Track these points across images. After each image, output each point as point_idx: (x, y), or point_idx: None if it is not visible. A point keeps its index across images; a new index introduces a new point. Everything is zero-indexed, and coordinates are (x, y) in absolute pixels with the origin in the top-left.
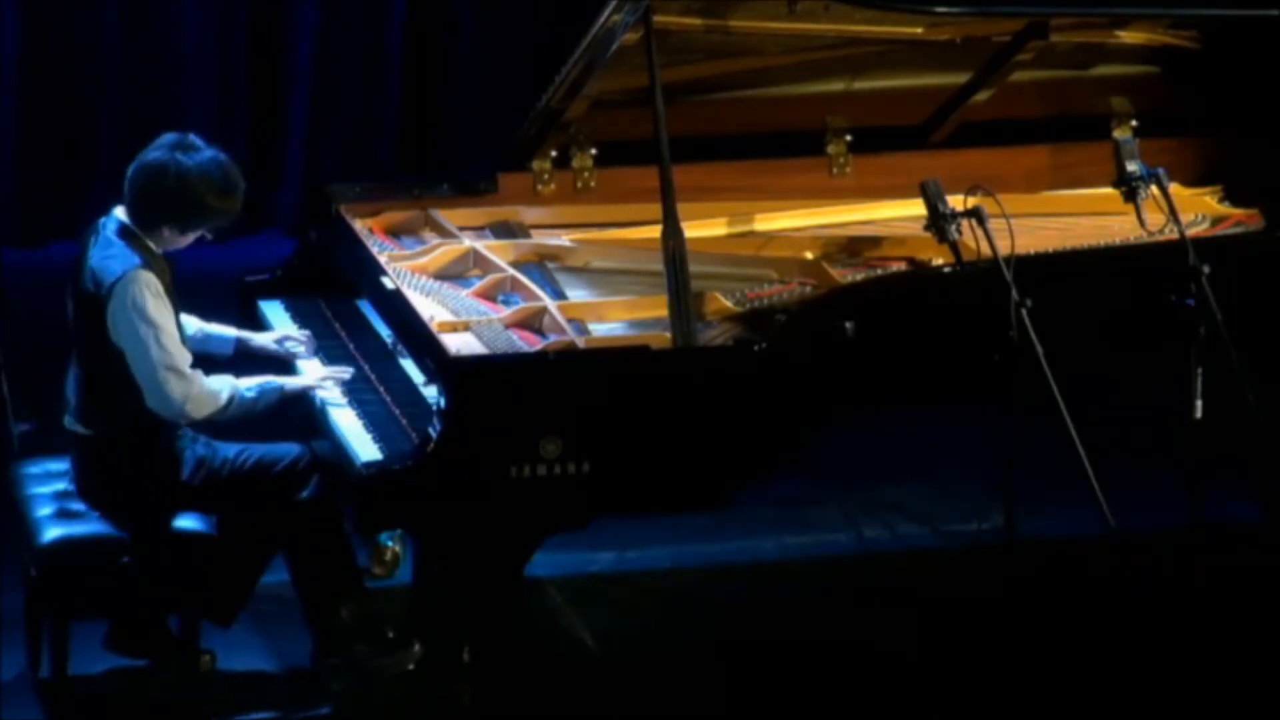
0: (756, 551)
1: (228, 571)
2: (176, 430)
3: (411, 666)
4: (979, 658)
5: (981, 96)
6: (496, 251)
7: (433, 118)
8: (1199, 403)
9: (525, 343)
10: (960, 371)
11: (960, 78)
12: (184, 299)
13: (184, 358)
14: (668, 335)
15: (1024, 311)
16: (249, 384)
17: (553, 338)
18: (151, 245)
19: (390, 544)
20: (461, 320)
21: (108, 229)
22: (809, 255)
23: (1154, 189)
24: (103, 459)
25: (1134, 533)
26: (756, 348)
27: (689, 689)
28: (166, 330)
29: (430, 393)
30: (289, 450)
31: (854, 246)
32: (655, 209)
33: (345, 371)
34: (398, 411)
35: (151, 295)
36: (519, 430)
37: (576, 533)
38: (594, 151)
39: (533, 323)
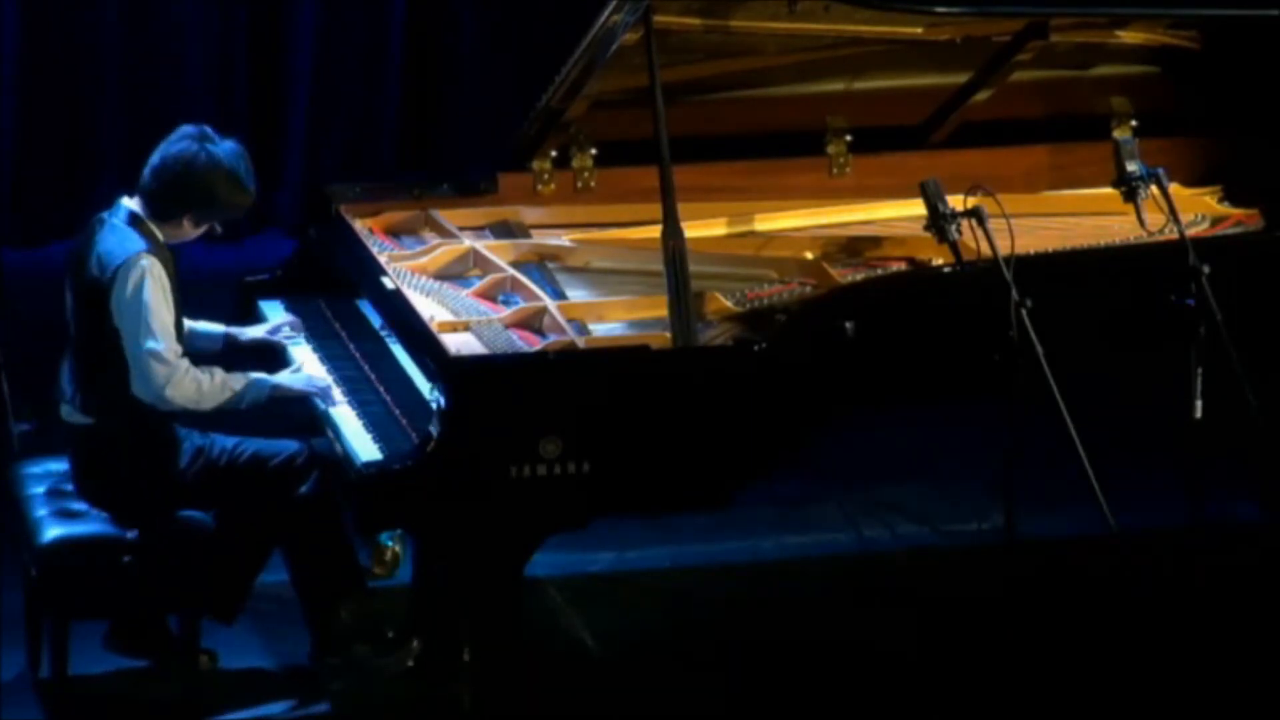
0: (756, 551)
1: (228, 567)
2: (174, 420)
3: (411, 664)
4: (979, 658)
5: (981, 96)
6: (496, 251)
7: (433, 118)
8: (1199, 403)
9: (525, 343)
10: (960, 371)
11: (960, 78)
12: (185, 299)
13: (172, 344)
14: (668, 335)
15: (1024, 311)
16: (238, 378)
17: (553, 338)
18: (159, 235)
19: (390, 544)
20: (461, 320)
21: (116, 217)
22: (809, 255)
23: (1154, 189)
24: (100, 449)
25: (1134, 533)
26: (756, 348)
27: (689, 689)
28: (159, 315)
29: (429, 391)
30: (286, 446)
31: (854, 246)
32: (655, 209)
33: (323, 379)
34: (398, 411)
35: (152, 279)
36: (519, 430)
37: (576, 533)
38: (594, 151)
39: (533, 323)
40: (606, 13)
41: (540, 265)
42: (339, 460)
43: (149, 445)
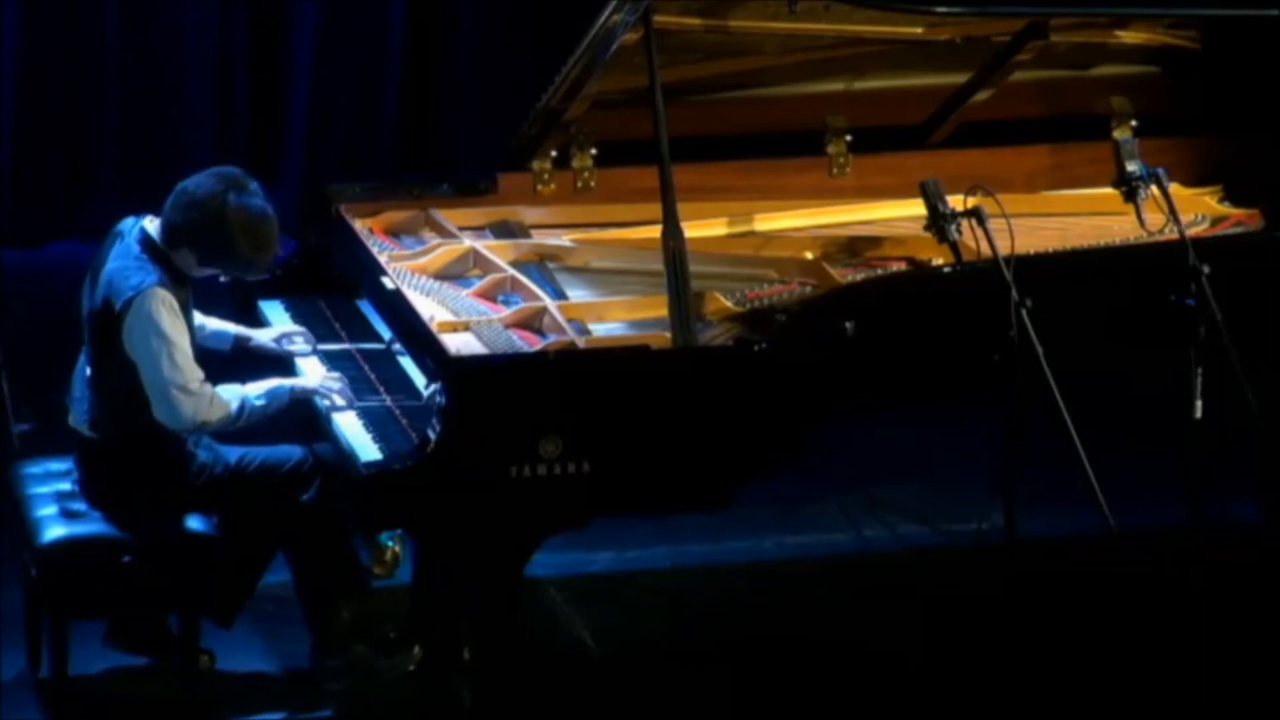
0: (756, 551)
1: (229, 572)
2: (181, 437)
3: (412, 668)
4: (979, 657)
5: (981, 96)
6: (496, 251)
7: (433, 118)
8: (1199, 403)
9: (525, 343)
10: (960, 371)
11: (960, 78)
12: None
13: (195, 375)
14: (668, 335)
15: (1024, 311)
16: (257, 390)
17: (553, 338)
18: (174, 261)
19: (390, 544)
20: (461, 320)
21: (130, 236)
22: (809, 255)
23: (1154, 189)
24: (107, 463)
25: (1134, 533)
26: (756, 348)
27: (689, 689)
28: (180, 348)
29: (425, 386)
30: (291, 453)
31: (854, 246)
32: (655, 209)
33: (335, 377)
34: (398, 411)
35: (167, 312)
36: (519, 430)
37: (576, 533)
38: (594, 151)
39: (533, 323)
40: (606, 13)
41: (540, 265)
42: (340, 462)
43: (154, 464)
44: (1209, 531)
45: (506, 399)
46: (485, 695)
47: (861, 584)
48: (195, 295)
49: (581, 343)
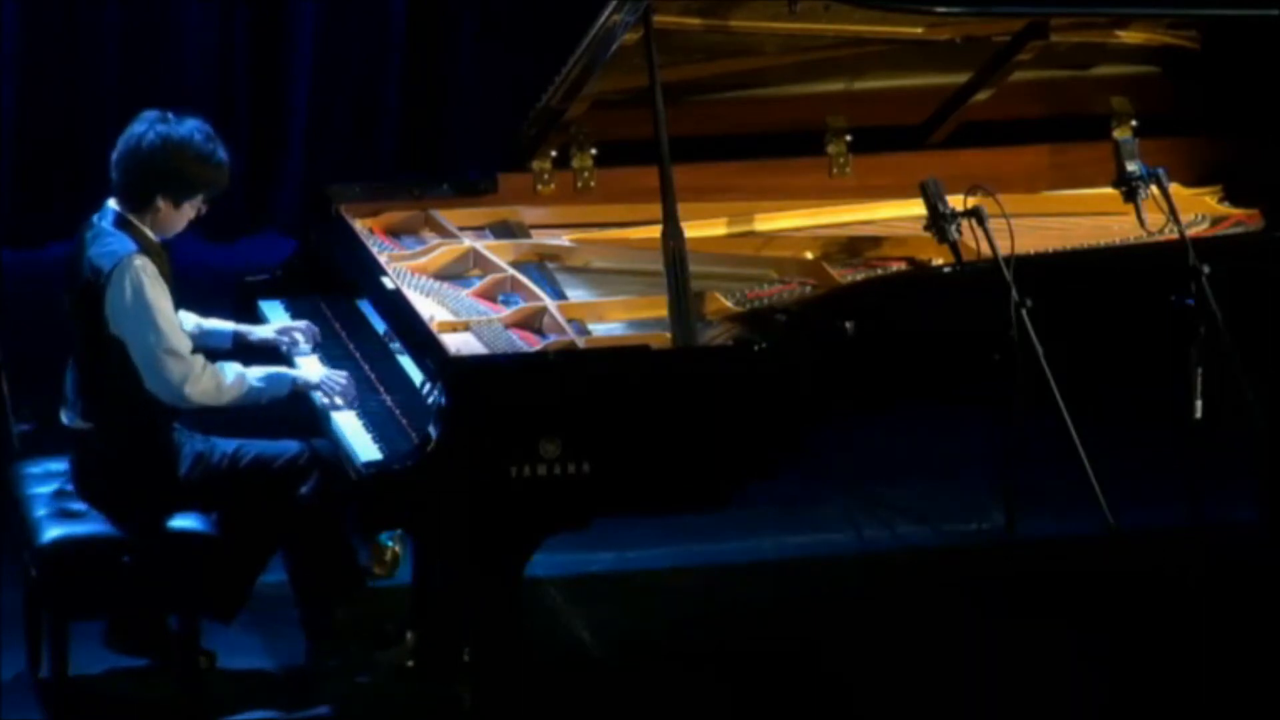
0: (756, 551)
1: (228, 568)
2: (174, 426)
3: (411, 664)
4: (979, 657)
5: (981, 96)
6: (496, 251)
7: (433, 118)
8: (1199, 403)
9: (525, 343)
10: (960, 371)
11: (960, 78)
12: (184, 298)
13: (182, 340)
14: (668, 335)
15: (1024, 311)
16: (258, 373)
17: (553, 338)
18: (148, 232)
19: (390, 544)
20: (461, 320)
21: (103, 221)
22: (809, 255)
23: (1154, 189)
24: (101, 454)
25: (1134, 533)
26: (756, 348)
27: (689, 689)
28: (164, 312)
29: (422, 384)
30: (288, 447)
31: (854, 246)
32: (655, 209)
33: (342, 375)
34: (398, 411)
35: (148, 278)
36: (519, 430)
37: (576, 533)
38: (594, 151)
39: (533, 323)
40: (606, 13)
41: (540, 265)
42: (339, 461)
43: (150, 451)
44: (1209, 531)
45: (506, 399)
46: (485, 695)
47: (861, 584)
48: (192, 294)
49: (581, 343)
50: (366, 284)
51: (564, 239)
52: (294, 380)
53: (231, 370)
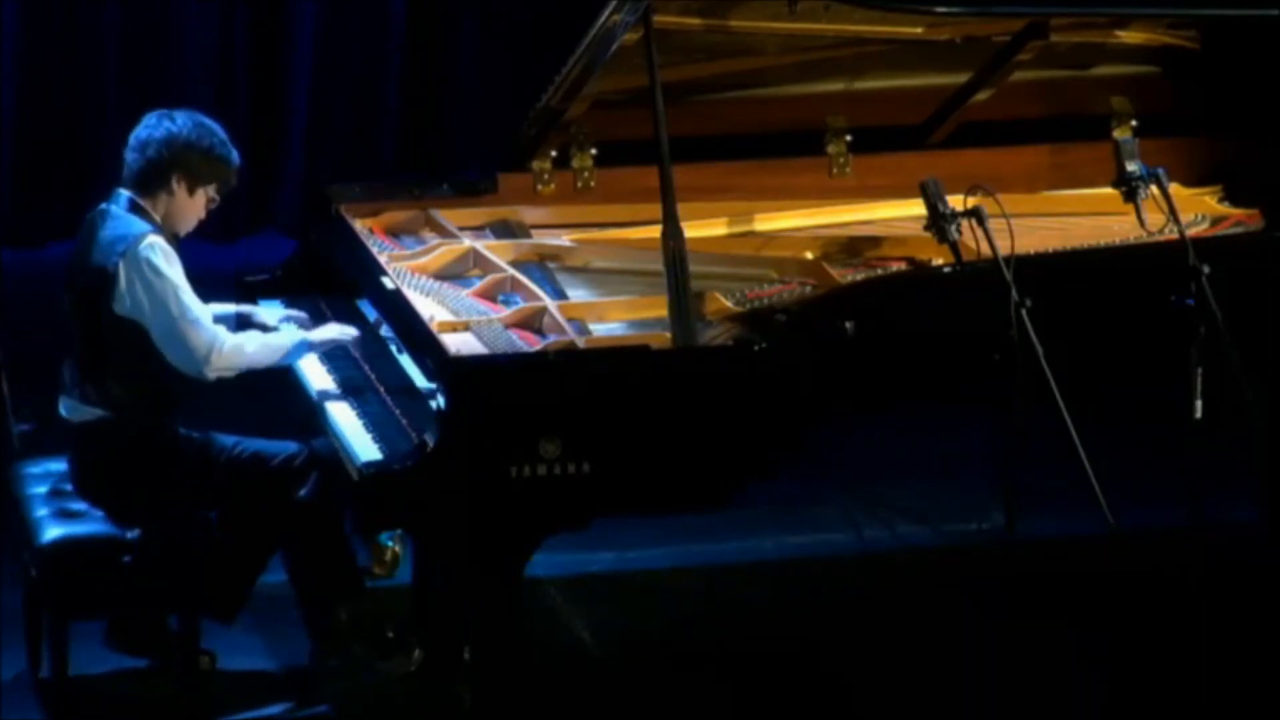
0: (756, 551)
1: (228, 568)
2: (174, 419)
3: (412, 670)
4: (979, 657)
5: (981, 96)
6: (496, 251)
7: (433, 118)
8: (1199, 403)
9: (525, 343)
10: (960, 371)
11: (960, 78)
12: None
13: (203, 310)
14: (668, 335)
15: (1024, 311)
16: (277, 338)
17: (553, 338)
18: (159, 219)
19: (390, 544)
20: (461, 320)
21: (116, 205)
22: (809, 255)
23: (1154, 189)
24: (100, 447)
25: (1134, 533)
26: (756, 348)
27: (689, 689)
28: (182, 286)
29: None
30: (286, 446)
31: (854, 246)
32: (655, 209)
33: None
34: (398, 411)
35: (163, 254)
36: (519, 430)
37: (576, 533)
38: (594, 151)
39: (533, 323)
40: (606, 13)
41: (540, 265)
42: (339, 461)
43: (150, 443)
44: (1209, 531)
45: (506, 399)
46: (485, 695)
47: (861, 584)
48: (196, 289)
49: (581, 343)
50: (366, 284)
51: (564, 239)
52: (309, 343)
53: (249, 335)
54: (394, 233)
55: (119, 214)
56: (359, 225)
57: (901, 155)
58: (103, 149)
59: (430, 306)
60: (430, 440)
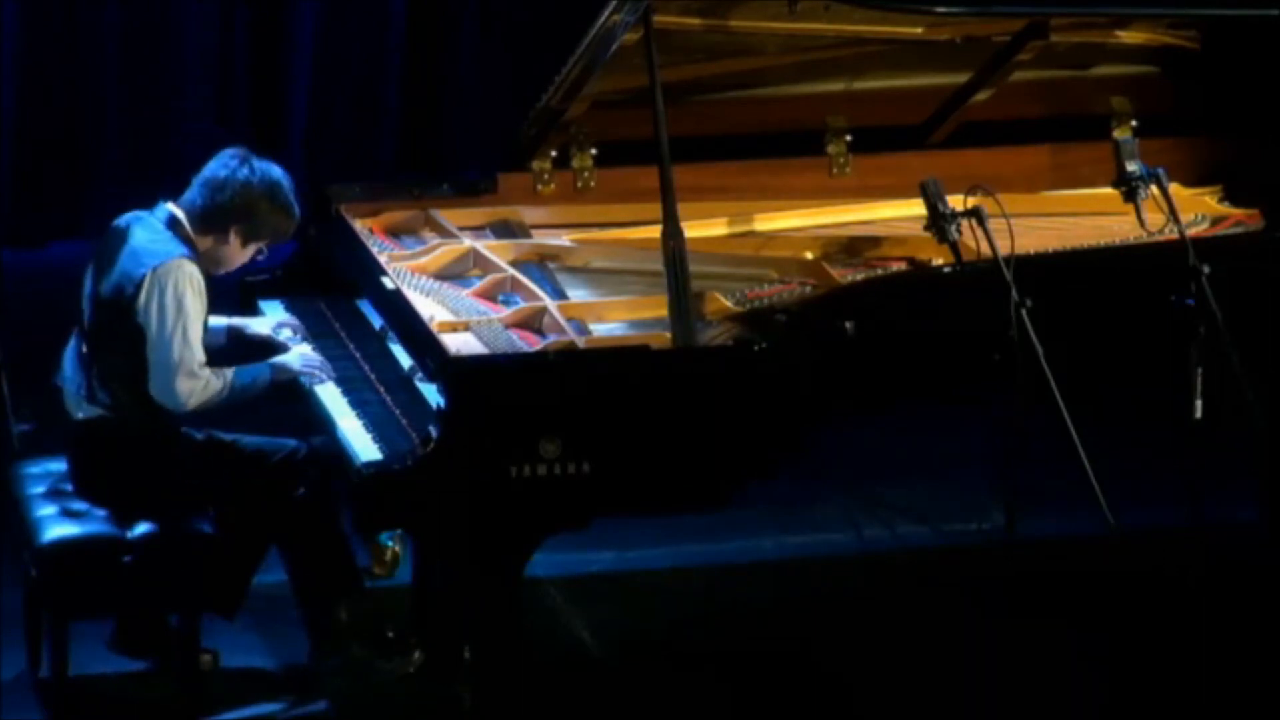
0: (756, 551)
1: (227, 564)
2: (175, 418)
3: (412, 670)
4: (979, 657)
5: (981, 96)
6: (496, 251)
7: (433, 118)
8: (1199, 403)
9: (525, 343)
10: (960, 371)
11: (960, 78)
12: None
13: (201, 356)
14: (668, 335)
15: (1024, 311)
16: (242, 373)
17: (553, 338)
18: (199, 250)
19: (390, 544)
20: (461, 320)
21: (156, 216)
22: (809, 255)
23: (1154, 189)
24: (102, 443)
25: (1134, 533)
26: (756, 348)
27: (689, 689)
28: (194, 327)
29: (430, 392)
30: (285, 443)
31: (854, 246)
32: (655, 209)
33: (315, 355)
34: (398, 411)
35: (192, 288)
36: (519, 430)
37: (576, 533)
38: (594, 151)
39: (533, 323)
40: (606, 13)
41: (540, 265)
42: (338, 460)
43: (151, 440)
44: (1209, 531)
45: (506, 399)
46: (485, 695)
47: (861, 584)
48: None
49: (581, 343)
50: (366, 284)
51: (564, 239)
52: (272, 367)
53: (222, 376)
54: (394, 233)
55: (157, 227)
56: (359, 225)
57: (901, 155)
58: (103, 149)
59: (430, 306)
60: (430, 440)
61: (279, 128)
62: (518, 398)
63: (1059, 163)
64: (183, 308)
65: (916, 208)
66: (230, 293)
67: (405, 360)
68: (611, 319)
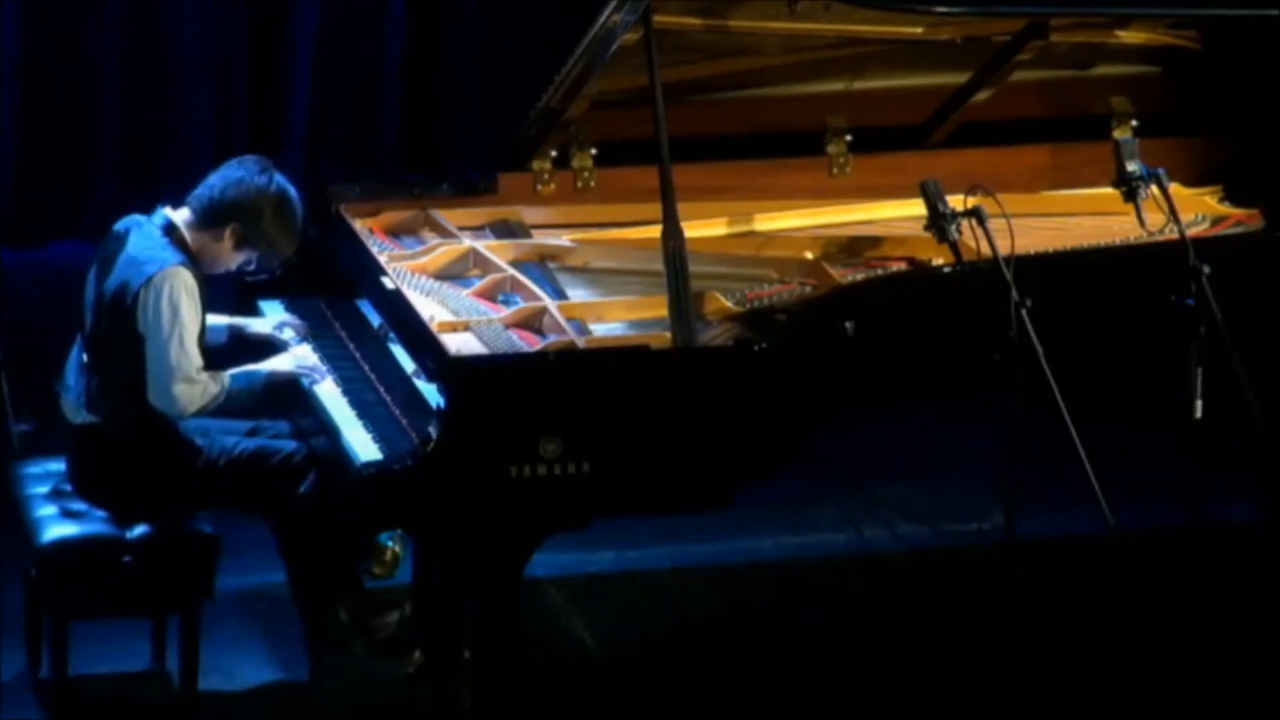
0: (756, 551)
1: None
2: (173, 424)
3: (412, 670)
4: (978, 657)
5: (981, 96)
6: (496, 251)
7: (433, 118)
8: (1199, 403)
9: (525, 343)
10: (960, 371)
11: (960, 78)
12: None
13: (198, 363)
14: (668, 335)
15: (1024, 311)
16: (236, 374)
17: (553, 338)
18: (194, 251)
19: (390, 544)
20: (461, 320)
21: (153, 223)
22: (809, 255)
23: (1154, 189)
24: (102, 447)
25: (1134, 533)
26: (756, 348)
27: (689, 689)
28: (190, 334)
29: (430, 392)
30: (285, 445)
31: (854, 246)
32: (655, 209)
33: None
34: (397, 411)
35: (187, 294)
36: (519, 430)
37: (576, 533)
38: (594, 151)
39: (533, 323)
40: (606, 13)
41: (540, 265)
42: (338, 460)
43: (151, 445)
44: (1209, 531)
45: (506, 399)
46: (485, 695)
47: (861, 584)
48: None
49: (581, 343)
50: (366, 284)
51: (564, 239)
52: (268, 374)
53: (219, 382)
54: (394, 233)
55: (154, 234)
56: (359, 225)
57: (901, 155)
58: (103, 149)
59: (430, 306)
60: (430, 440)
61: (279, 128)
62: (518, 398)
63: (1059, 163)
64: (179, 315)
65: (916, 208)
66: (231, 292)
67: (405, 360)
68: (611, 319)
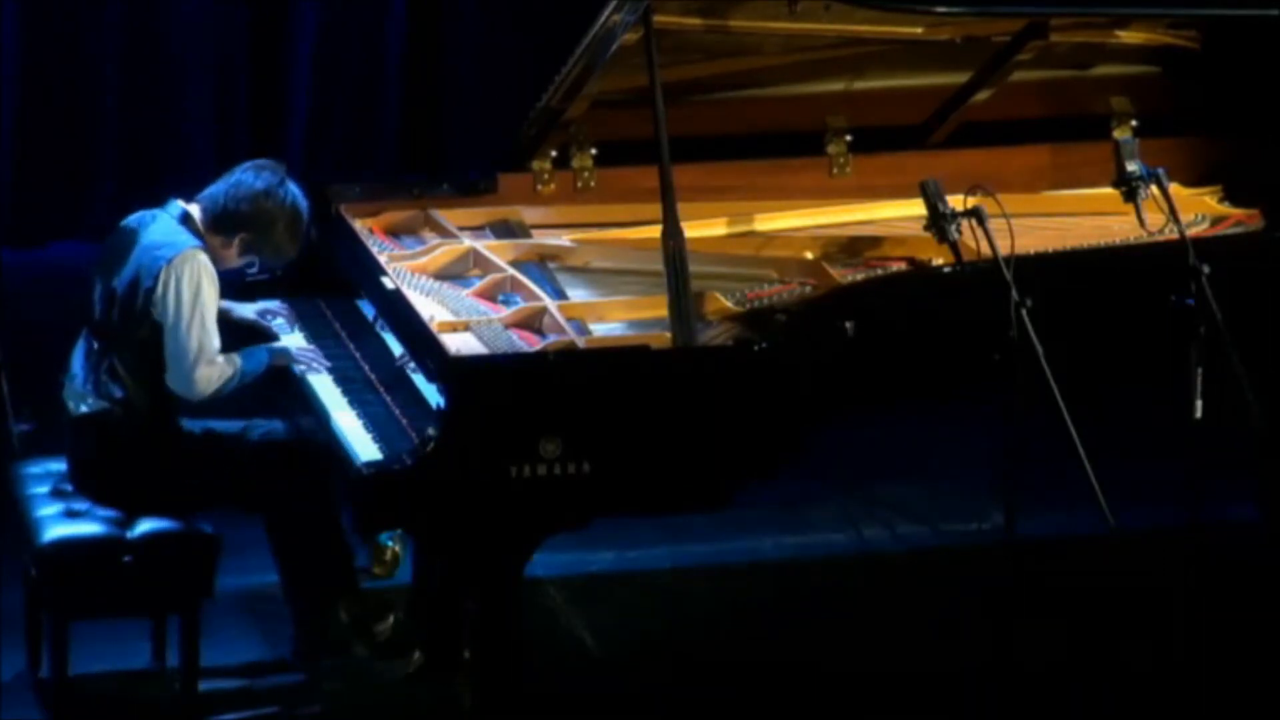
0: (756, 551)
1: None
2: (175, 411)
3: (411, 670)
4: (978, 657)
5: (981, 96)
6: (496, 251)
7: (433, 117)
8: (1199, 403)
9: (525, 343)
10: (960, 371)
11: (960, 78)
12: None
13: (216, 344)
14: (668, 335)
15: (1024, 311)
16: (246, 358)
17: (553, 338)
18: (205, 241)
19: (390, 544)
20: (461, 320)
21: (168, 212)
22: (809, 255)
23: (1154, 189)
24: (100, 440)
25: (1134, 533)
26: (756, 348)
27: (689, 689)
28: (211, 316)
29: (430, 392)
30: (284, 442)
31: (854, 246)
32: (655, 209)
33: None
34: (398, 411)
35: (207, 277)
36: (519, 430)
37: (576, 533)
38: (594, 151)
39: (533, 323)
40: (606, 13)
41: (540, 265)
42: (338, 460)
43: (152, 435)
44: (1209, 531)
45: (506, 399)
46: (485, 695)
47: (861, 584)
48: None
49: (581, 343)
50: (366, 284)
51: (564, 239)
52: (269, 353)
53: (233, 363)
54: (394, 233)
55: (170, 222)
56: (359, 225)
57: (901, 155)
58: (103, 149)
59: (430, 306)
60: (430, 440)
61: (279, 128)
62: (518, 398)
63: (1059, 163)
64: (199, 296)
65: (916, 208)
66: (231, 292)
67: (398, 349)
68: (611, 319)
